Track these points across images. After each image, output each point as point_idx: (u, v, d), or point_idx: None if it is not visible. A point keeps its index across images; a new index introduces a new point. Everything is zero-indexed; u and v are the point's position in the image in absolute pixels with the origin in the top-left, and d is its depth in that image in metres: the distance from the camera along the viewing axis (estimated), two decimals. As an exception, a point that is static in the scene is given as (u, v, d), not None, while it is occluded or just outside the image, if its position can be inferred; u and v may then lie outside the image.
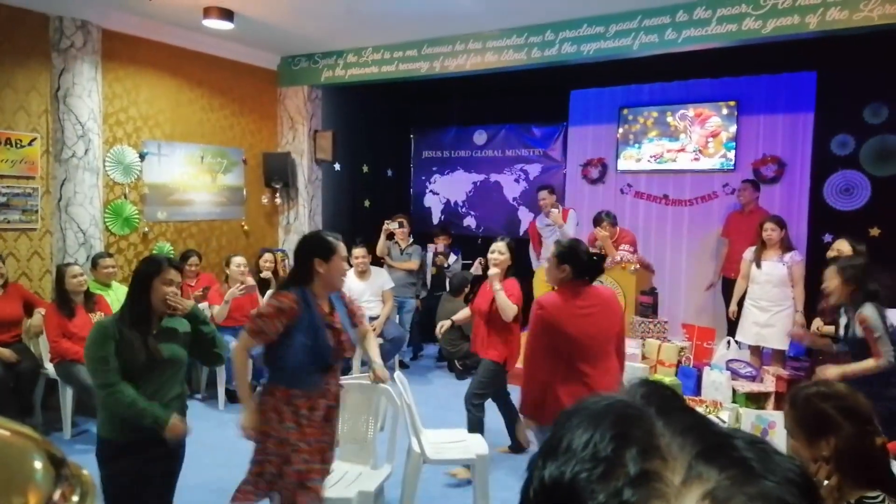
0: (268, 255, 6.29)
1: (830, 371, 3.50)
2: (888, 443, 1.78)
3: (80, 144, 5.32)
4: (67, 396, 4.70)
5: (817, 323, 4.57)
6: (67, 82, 5.26)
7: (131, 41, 5.82)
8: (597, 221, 5.99)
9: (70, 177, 5.31)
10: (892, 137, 6.04)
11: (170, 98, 6.21)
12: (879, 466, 1.70)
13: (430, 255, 7.28)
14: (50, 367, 4.78)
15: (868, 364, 3.45)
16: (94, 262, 5.17)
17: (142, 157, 5.94)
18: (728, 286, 6.00)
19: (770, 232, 5.09)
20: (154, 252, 6.03)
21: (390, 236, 6.62)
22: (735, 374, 4.96)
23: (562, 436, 0.54)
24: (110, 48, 5.60)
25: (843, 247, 4.29)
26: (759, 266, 5.14)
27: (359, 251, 6.05)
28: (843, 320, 3.70)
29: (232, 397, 5.45)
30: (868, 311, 3.46)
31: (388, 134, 8.63)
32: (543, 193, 6.45)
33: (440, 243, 7.27)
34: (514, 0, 5.11)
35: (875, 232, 5.96)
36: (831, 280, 3.62)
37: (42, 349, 4.88)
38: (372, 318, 5.87)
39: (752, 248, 5.26)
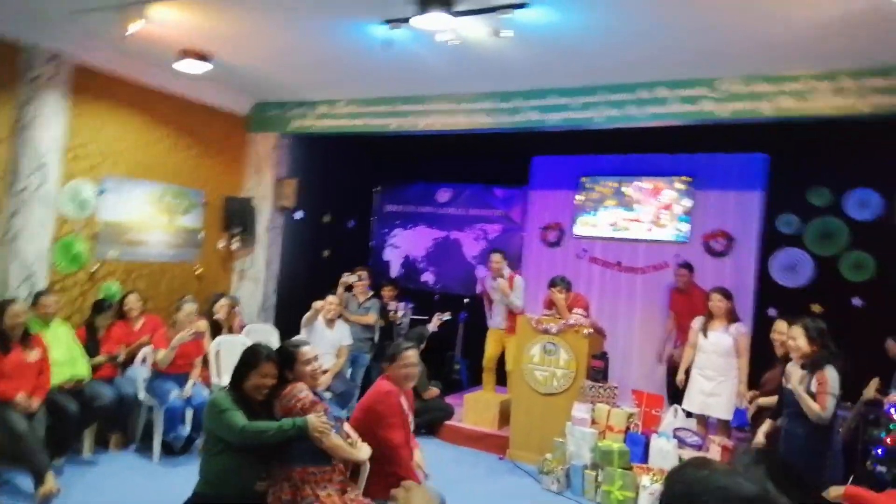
0: (223, 300, 6.17)
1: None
2: None
3: (35, 177, 5.18)
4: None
5: (751, 394, 4.82)
6: (30, 114, 5.16)
7: (103, 77, 5.77)
8: (551, 284, 6.06)
9: (20, 210, 5.15)
10: (834, 220, 6.35)
11: (136, 135, 6.13)
12: None
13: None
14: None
15: (812, 406, 3.59)
16: (36, 299, 4.95)
17: (100, 192, 5.81)
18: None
19: (717, 302, 5.23)
20: (101, 293, 5.83)
21: (349, 288, 6.56)
22: (682, 443, 5.00)
23: None
24: (81, 82, 5.53)
25: (780, 327, 4.42)
26: (705, 335, 5.26)
27: (332, 298, 5.99)
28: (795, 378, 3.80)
29: (168, 450, 5.20)
30: (830, 373, 3.62)
31: (353, 185, 8.66)
32: (496, 257, 6.39)
33: (387, 295, 7.18)
34: (485, 66, 5.27)
35: (817, 308, 6.18)
36: (798, 338, 3.73)
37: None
38: (323, 371, 5.76)
39: (700, 318, 5.38)
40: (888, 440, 4.43)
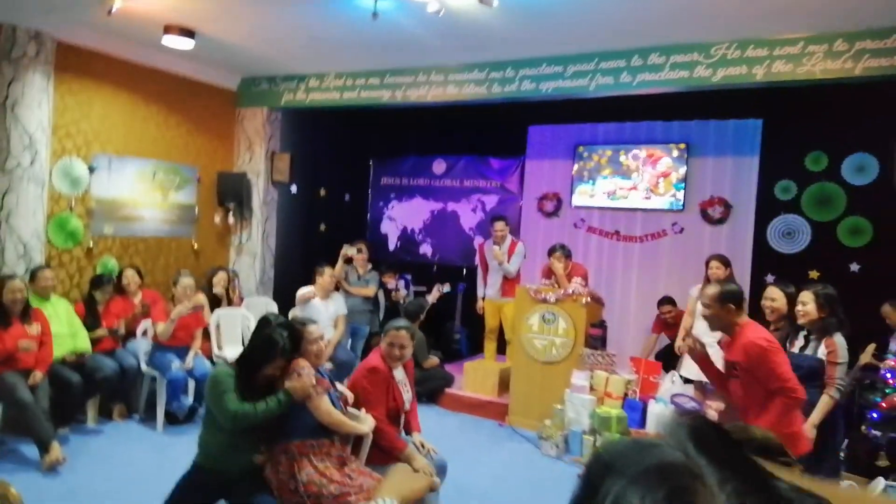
0: (221, 274, 6.21)
1: (806, 428, 3.55)
2: None
3: (26, 154, 5.16)
4: (-5, 414, 4.48)
5: None
6: (17, 92, 5.13)
7: (87, 54, 5.71)
8: (551, 252, 6.09)
9: (13, 187, 5.14)
10: (831, 185, 6.34)
11: (124, 113, 6.09)
12: None
13: (382, 293, 7.23)
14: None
15: (826, 402, 3.60)
16: (33, 275, 4.97)
17: (91, 170, 5.79)
18: None
19: (715, 270, 5.25)
20: (98, 267, 5.85)
21: (348, 261, 6.58)
22: (679, 408, 5.06)
23: (605, 493, 0.49)
24: (64, 60, 5.48)
25: (772, 293, 4.39)
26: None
27: (329, 270, 6.01)
28: (799, 342, 3.83)
29: (171, 419, 5.27)
30: (839, 339, 3.65)
31: (347, 159, 8.63)
32: (500, 224, 6.49)
33: (389, 280, 7.23)
34: (476, 36, 5.21)
35: (814, 274, 6.21)
36: (808, 304, 3.75)
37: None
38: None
39: (698, 286, 5.40)
40: (883, 404, 4.49)
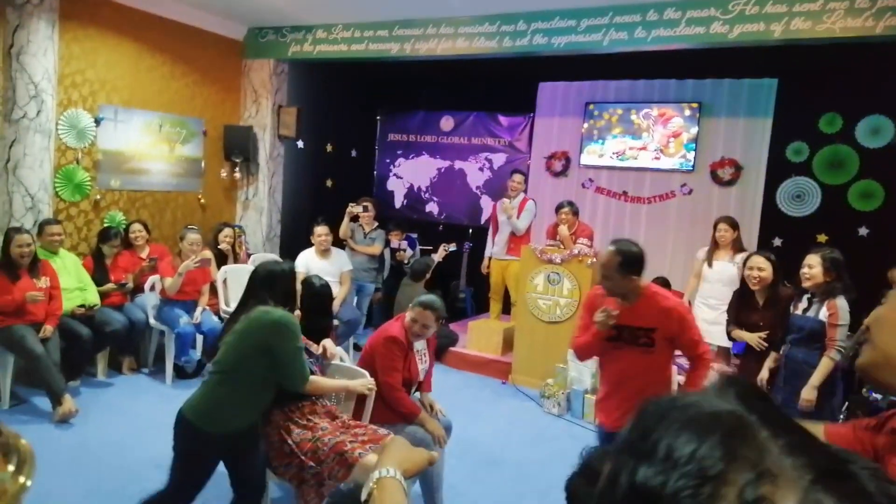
0: (227, 230, 6.21)
1: (807, 389, 3.62)
2: None
3: (32, 105, 5.11)
4: (7, 365, 4.55)
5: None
6: (22, 39, 5.04)
7: (93, 1, 5.60)
8: (559, 208, 6.07)
9: (20, 138, 5.10)
10: (844, 147, 6.24)
11: (130, 63, 6.01)
12: None
13: (387, 252, 7.23)
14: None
15: (826, 364, 3.63)
16: (41, 228, 4.99)
17: (97, 121, 5.74)
18: None
19: (723, 232, 5.21)
20: (105, 221, 5.86)
21: (354, 219, 6.56)
22: (681, 370, 5.09)
23: (657, 438, 0.49)
24: (69, 7, 5.37)
25: (757, 262, 4.33)
26: (710, 265, 5.27)
27: (321, 229, 5.98)
28: (802, 304, 3.84)
29: (180, 372, 5.36)
30: (841, 302, 3.65)
31: (355, 114, 8.53)
32: (518, 177, 6.56)
33: (395, 239, 7.23)
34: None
35: (822, 238, 6.17)
36: (815, 267, 3.74)
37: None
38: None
39: (705, 248, 5.38)
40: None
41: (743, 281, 4.43)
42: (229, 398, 2.66)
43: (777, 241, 6.34)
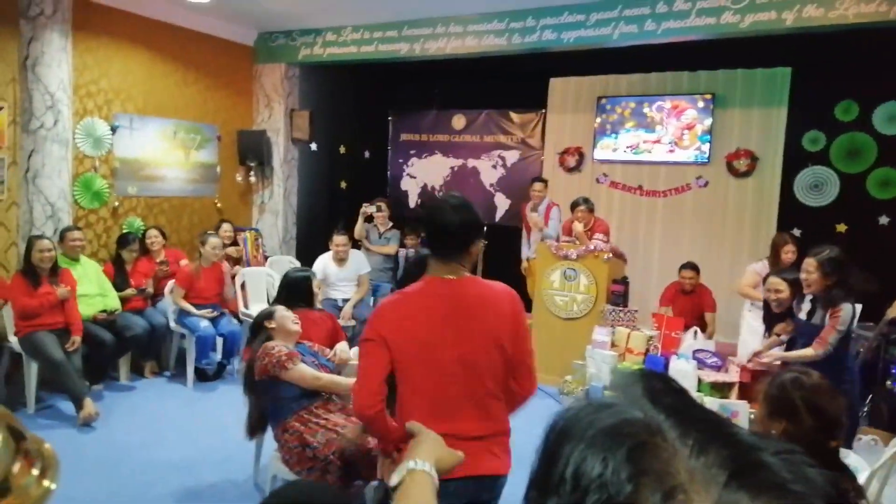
0: (225, 226, 6.29)
1: (772, 353, 3.58)
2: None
3: (48, 115, 5.19)
4: (32, 371, 4.63)
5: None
6: (36, 51, 5.12)
7: (104, 11, 5.67)
8: (574, 205, 6.04)
9: (38, 148, 5.18)
10: (861, 135, 6.16)
11: (143, 71, 6.08)
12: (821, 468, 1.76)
13: (402, 252, 7.23)
14: (14, 341, 4.69)
15: (806, 352, 3.56)
16: (62, 236, 5.07)
17: (113, 130, 5.82)
18: None
19: (790, 254, 4.96)
20: (124, 227, 5.93)
21: (369, 219, 6.58)
22: (701, 364, 5.04)
23: (563, 464, 0.47)
24: (82, 18, 5.44)
25: (779, 285, 4.25)
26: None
27: (340, 239, 5.94)
28: (806, 306, 3.77)
29: (201, 376, 5.41)
30: (846, 308, 3.53)
31: (366, 115, 8.55)
32: (538, 185, 6.53)
33: (410, 244, 7.22)
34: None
35: (842, 228, 6.10)
36: (811, 273, 3.63)
37: (6, 322, 4.79)
38: (345, 300, 5.87)
39: (762, 262, 5.20)
40: (908, 360, 4.43)
41: (765, 302, 4.34)
42: None
43: (796, 232, 6.27)
